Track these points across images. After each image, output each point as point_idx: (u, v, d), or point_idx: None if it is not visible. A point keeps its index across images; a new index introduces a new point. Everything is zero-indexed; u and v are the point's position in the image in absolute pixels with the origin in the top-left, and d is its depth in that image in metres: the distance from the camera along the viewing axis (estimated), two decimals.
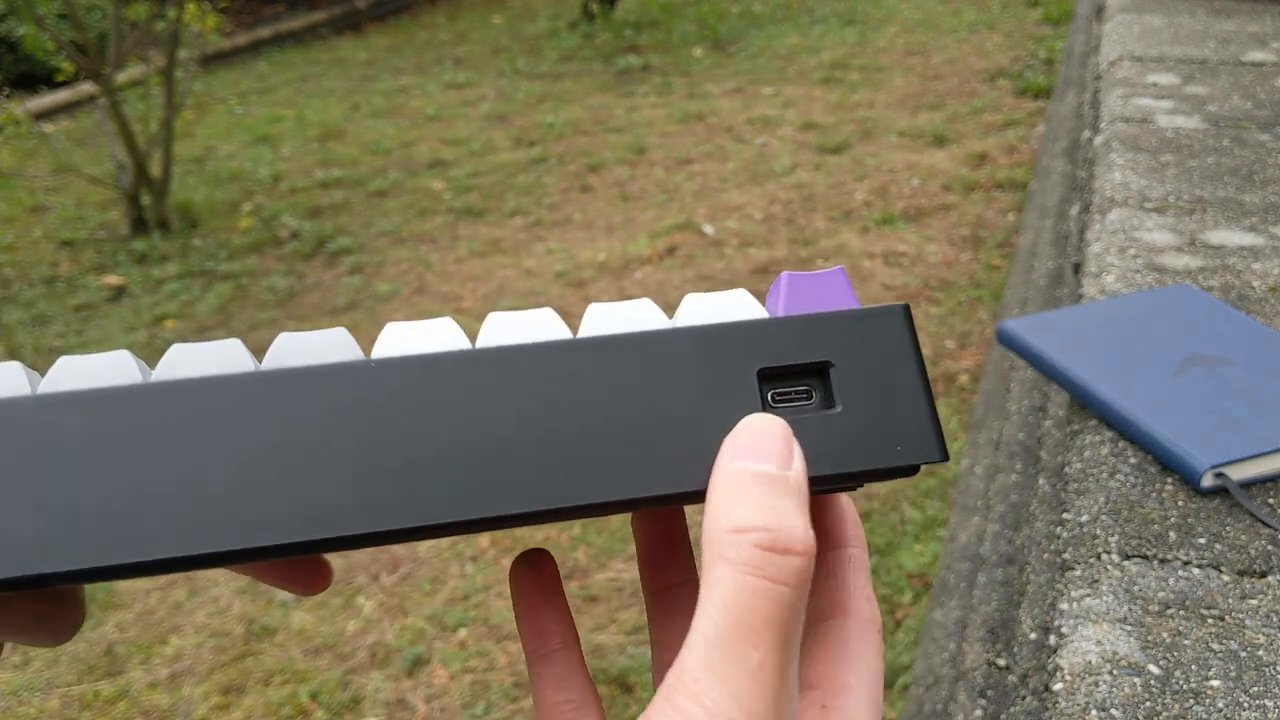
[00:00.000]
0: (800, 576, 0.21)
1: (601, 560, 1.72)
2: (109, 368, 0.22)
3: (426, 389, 0.22)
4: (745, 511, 0.21)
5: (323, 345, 0.23)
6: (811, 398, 0.23)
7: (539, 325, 0.24)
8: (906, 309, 0.24)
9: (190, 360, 0.22)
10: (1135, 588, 0.72)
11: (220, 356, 0.22)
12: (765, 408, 0.23)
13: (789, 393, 0.23)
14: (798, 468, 0.22)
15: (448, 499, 0.22)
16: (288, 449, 0.22)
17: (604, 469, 0.22)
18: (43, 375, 0.23)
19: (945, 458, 0.23)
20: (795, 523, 0.21)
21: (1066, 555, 0.78)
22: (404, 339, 0.23)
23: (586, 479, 0.22)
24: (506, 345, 0.23)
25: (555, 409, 0.22)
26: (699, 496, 0.22)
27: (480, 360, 0.23)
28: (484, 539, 1.79)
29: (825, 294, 0.24)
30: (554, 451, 0.22)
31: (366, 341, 2.56)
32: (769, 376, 0.23)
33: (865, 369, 0.23)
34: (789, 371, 0.23)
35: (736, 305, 0.24)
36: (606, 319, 0.24)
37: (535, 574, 0.30)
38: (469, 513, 0.22)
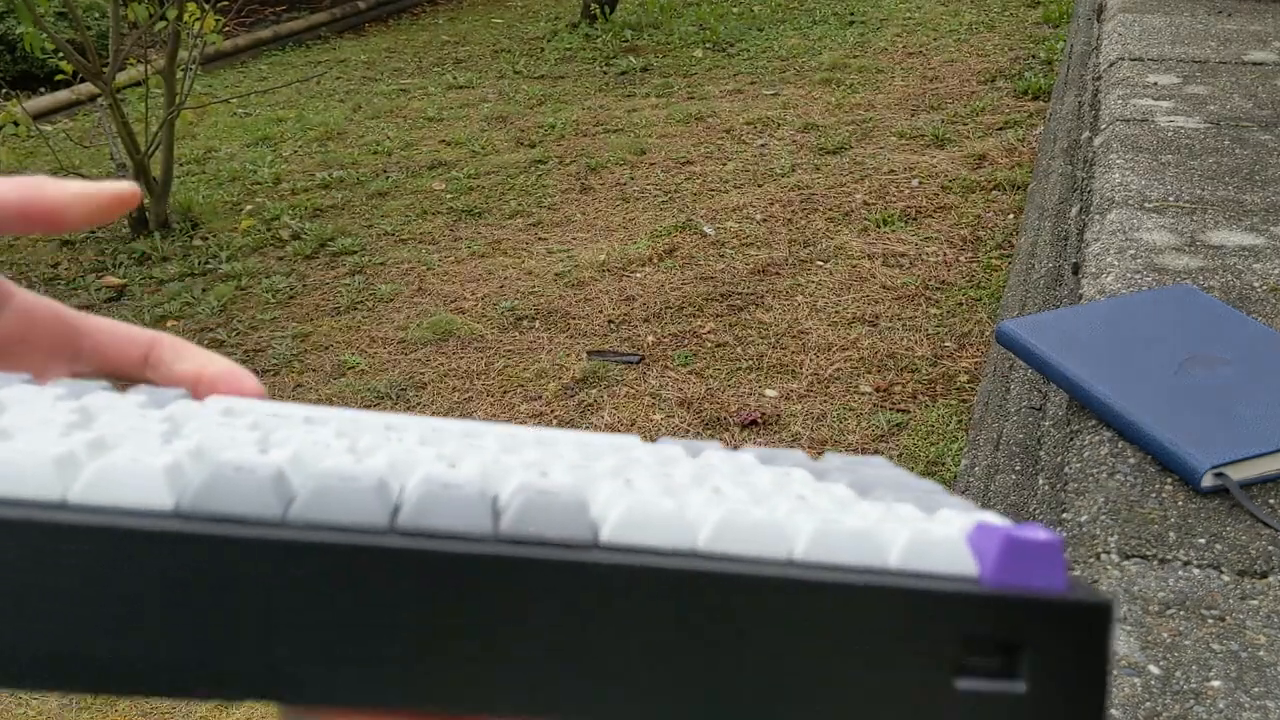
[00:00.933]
0: None
1: None
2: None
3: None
4: None
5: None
6: (1006, 672, 0.22)
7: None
8: (1108, 607, 0.22)
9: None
10: (1135, 588, 0.72)
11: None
12: (956, 674, 0.21)
13: (980, 664, 0.21)
14: None
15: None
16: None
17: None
18: None
19: None
20: None
21: (1066, 555, 0.78)
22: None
23: None
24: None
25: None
26: None
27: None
28: None
29: (1038, 566, 0.22)
30: None
31: (367, 341, 2.56)
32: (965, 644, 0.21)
33: (1058, 657, 0.22)
34: (985, 645, 0.21)
35: (940, 548, 0.21)
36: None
37: None
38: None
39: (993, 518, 0.23)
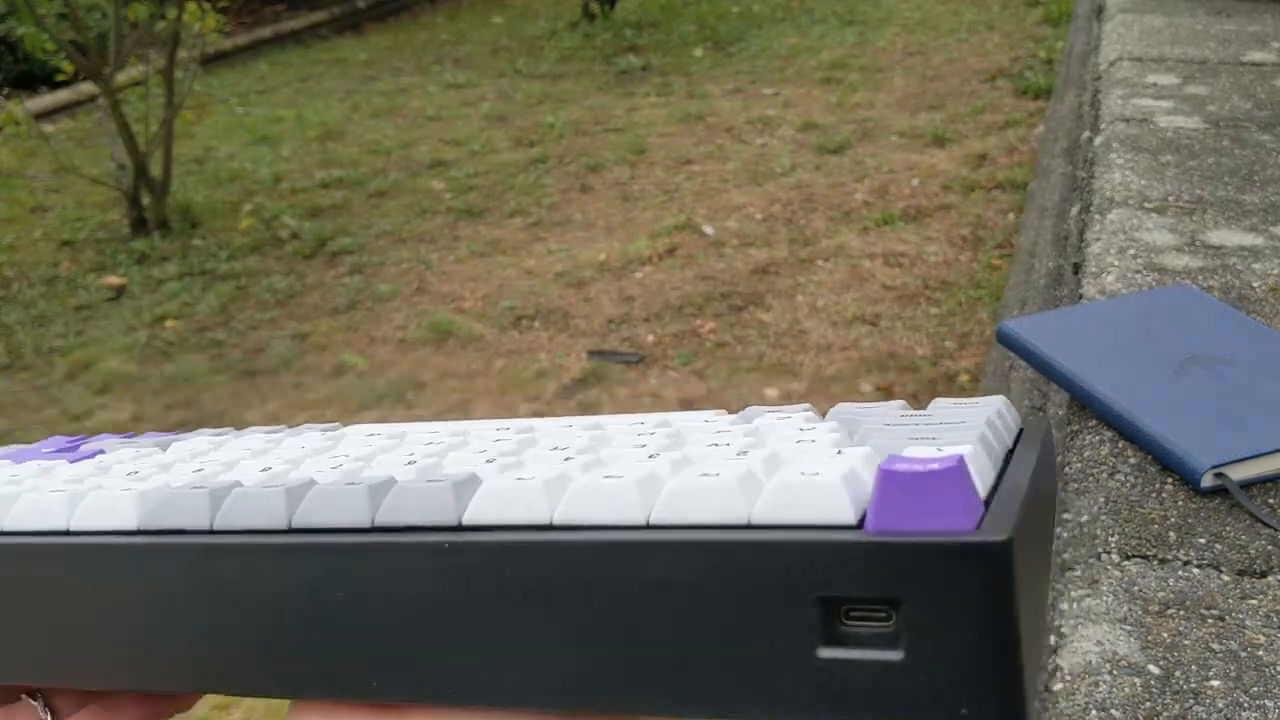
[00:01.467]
0: None
1: None
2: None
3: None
4: None
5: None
6: (889, 622, 0.18)
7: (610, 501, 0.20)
8: (1005, 549, 0.17)
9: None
10: (1135, 588, 0.72)
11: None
12: (826, 637, 0.19)
13: (862, 618, 0.19)
14: None
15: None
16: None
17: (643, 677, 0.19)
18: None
19: None
20: None
21: (1066, 555, 0.78)
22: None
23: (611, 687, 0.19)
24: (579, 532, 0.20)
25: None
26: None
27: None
28: None
29: (931, 503, 0.18)
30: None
31: (367, 341, 2.56)
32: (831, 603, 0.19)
33: (942, 615, 0.18)
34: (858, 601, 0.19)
35: (815, 497, 0.19)
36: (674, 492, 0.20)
37: None
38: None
39: (921, 450, 0.19)
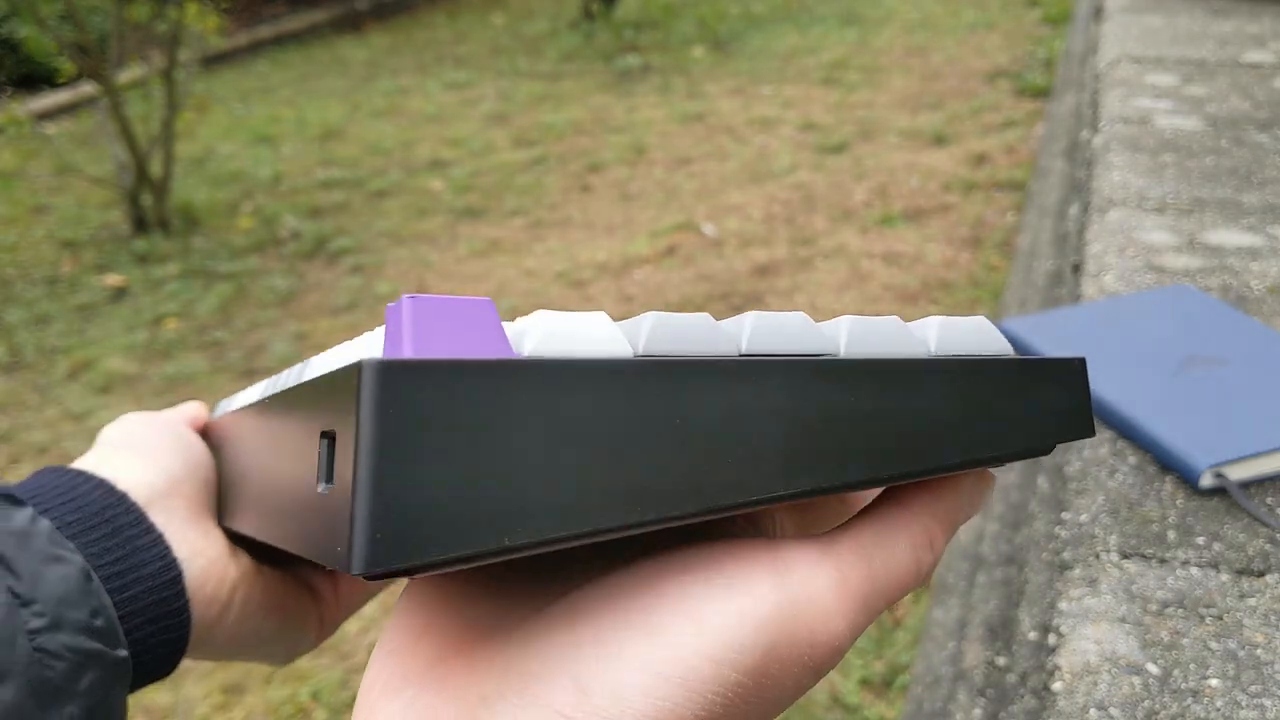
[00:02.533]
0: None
1: None
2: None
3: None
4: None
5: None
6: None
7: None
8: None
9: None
10: (1134, 587, 0.72)
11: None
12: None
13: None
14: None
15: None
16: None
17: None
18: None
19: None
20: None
21: (1066, 555, 0.78)
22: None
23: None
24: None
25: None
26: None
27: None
28: None
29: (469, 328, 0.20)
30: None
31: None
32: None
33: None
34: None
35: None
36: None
37: None
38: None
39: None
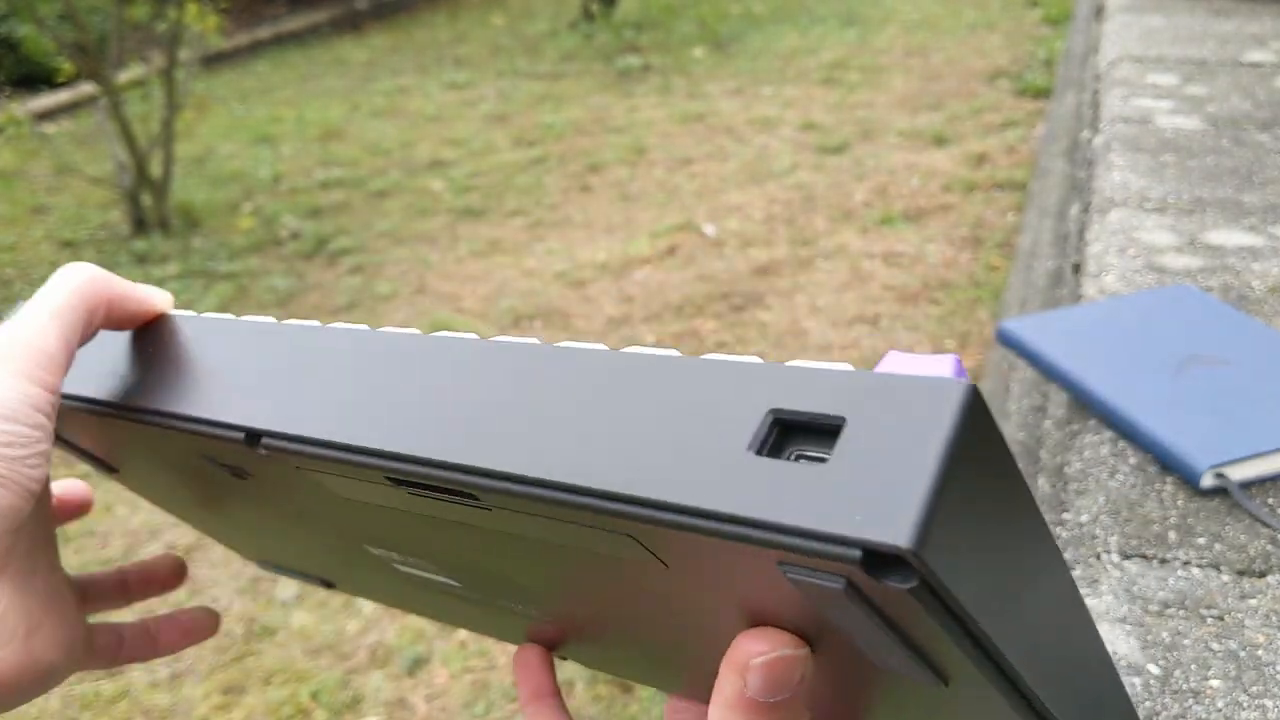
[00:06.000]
0: None
1: None
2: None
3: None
4: None
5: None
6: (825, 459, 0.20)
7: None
8: (970, 390, 0.19)
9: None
10: (1135, 588, 0.72)
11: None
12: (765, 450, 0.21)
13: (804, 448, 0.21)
14: (801, 685, 0.24)
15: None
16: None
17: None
18: None
19: (913, 549, 0.18)
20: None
21: (1066, 555, 0.78)
22: None
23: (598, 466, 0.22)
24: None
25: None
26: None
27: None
28: None
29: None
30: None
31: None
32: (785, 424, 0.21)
33: (882, 434, 0.19)
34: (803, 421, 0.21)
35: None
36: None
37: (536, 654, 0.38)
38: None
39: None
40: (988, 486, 0.20)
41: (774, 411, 0.20)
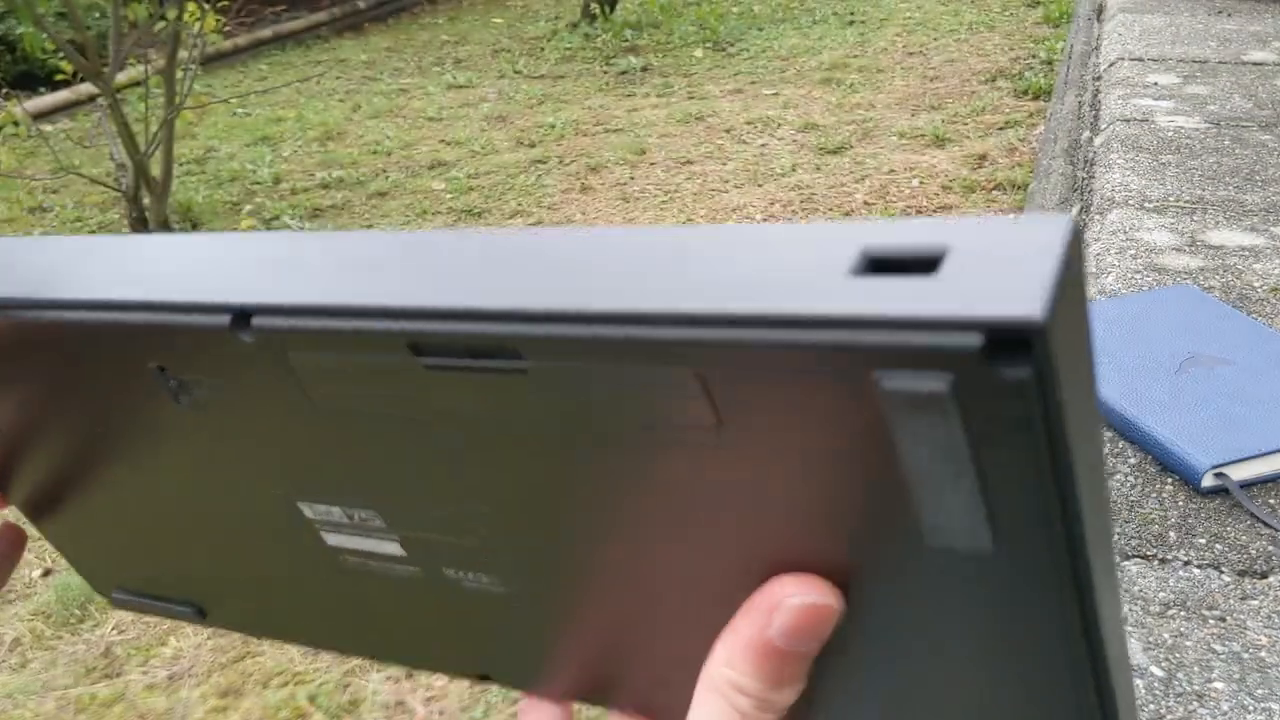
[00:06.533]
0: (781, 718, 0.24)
1: None
2: None
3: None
4: (752, 685, 0.23)
5: None
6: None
7: None
8: (1076, 226, 0.18)
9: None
10: (1135, 588, 0.72)
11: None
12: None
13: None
14: (821, 642, 0.23)
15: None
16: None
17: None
18: None
19: (1044, 321, 0.17)
20: (789, 693, 0.23)
21: None
22: None
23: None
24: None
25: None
26: None
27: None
28: None
29: None
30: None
31: None
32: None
33: (990, 257, 0.18)
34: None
35: None
36: None
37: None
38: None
39: None
40: (1082, 333, 0.19)
41: (867, 252, 0.19)
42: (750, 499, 0.22)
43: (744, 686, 0.23)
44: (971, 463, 0.19)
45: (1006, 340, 0.17)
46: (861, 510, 0.21)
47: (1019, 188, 2.94)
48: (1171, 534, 0.77)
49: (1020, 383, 0.17)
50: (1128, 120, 1.66)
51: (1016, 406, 0.18)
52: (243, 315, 0.24)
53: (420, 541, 0.29)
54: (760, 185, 3.22)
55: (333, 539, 0.30)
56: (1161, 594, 0.71)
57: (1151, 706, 0.62)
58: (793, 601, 0.23)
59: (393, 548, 0.30)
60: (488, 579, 0.29)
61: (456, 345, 0.22)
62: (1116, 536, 0.77)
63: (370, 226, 3.25)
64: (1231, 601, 0.70)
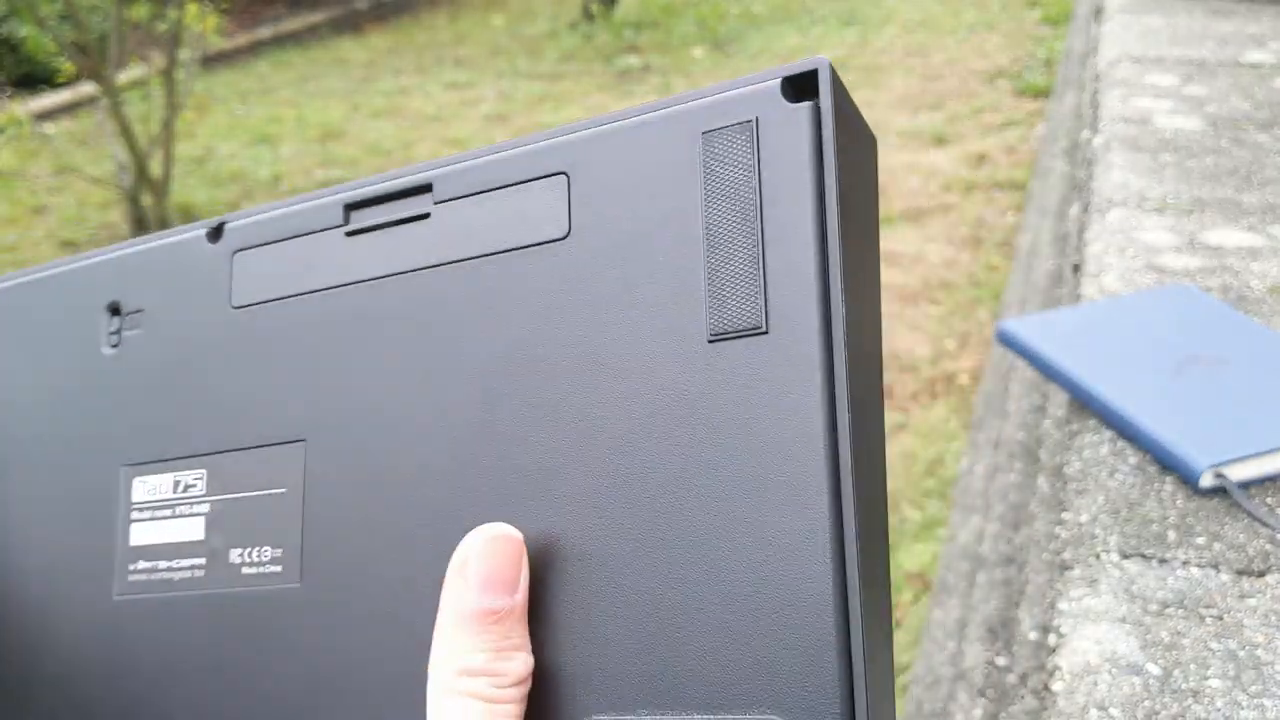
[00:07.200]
0: (524, 695, 0.23)
1: None
2: None
3: None
4: (476, 660, 0.23)
5: None
6: None
7: None
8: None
9: None
10: (1134, 587, 0.72)
11: None
12: None
13: None
14: (523, 591, 0.23)
15: None
16: None
17: None
18: None
19: (828, 65, 0.25)
20: (519, 662, 0.23)
21: (1066, 555, 0.78)
22: None
23: None
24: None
25: None
26: None
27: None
28: None
29: None
30: None
31: None
32: None
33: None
34: None
35: None
36: None
37: None
38: None
39: None
40: (861, 161, 0.25)
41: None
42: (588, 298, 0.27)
43: (471, 666, 0.23)
44: (758, 211, 0.24)
45: (797, 86, 0.24)
46: (655, 304, 0.25)
47: (1019, 187, 2.95)
48: (1170, 534, 0.77)
49: (803, 111, 0.23)
50: (1127, 120, 1.66)
51: (798, 133, 0.23)
52: (216, 228, 0.32)
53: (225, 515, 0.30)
54: None
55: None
56: (1160, 593, 0.72)
57: (1147, 703, 0.63)
58: (477, 544, 0.23)
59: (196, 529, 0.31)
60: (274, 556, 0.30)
61: (382, 196, 0.30)
62: (1117, 535, 0.78)
63: None
64: (1229, 600, 0.70)
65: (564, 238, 0.26)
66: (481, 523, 0.25)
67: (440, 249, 0.29)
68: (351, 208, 0.30)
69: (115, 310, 0.32)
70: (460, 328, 0.28)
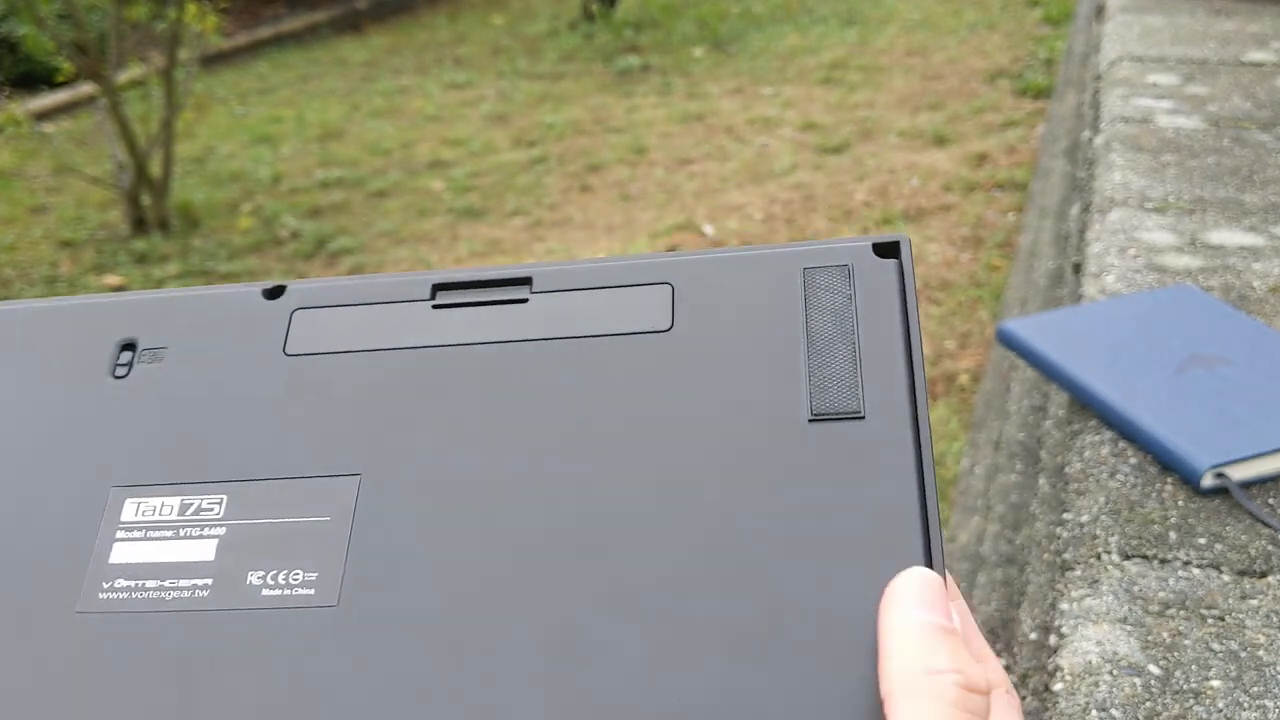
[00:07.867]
0: (986, 711, 0.24)
1: None
2: None
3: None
4: (939, 659, 0.24)
5: None
6: None
7: None
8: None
9: None
10: (1135, 588, 0.72)
11: None
12: None
13: None
14: (958, 620, 0.25)
15: None
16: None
17: None
18: None
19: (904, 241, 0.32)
20: (977, 668, 0.25)
21: (1066, 555, 0.78)
22: None
23: None
24: None
25: None
26: None
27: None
28: None
29: None
30: None
31: None
32: None
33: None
34: None
35: None
36: None
37: None
38: None
39: None
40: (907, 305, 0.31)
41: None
42: (693, 395, 0.29)
43: (940, 666, 0.24)
44: (854, 326, 0.29)
45: (883, 249, 0.31)
46: (760, 388, 0.29)
47: (1019, 187, 2.94)
48: (1172, 534, 0.77)
49: (890, 265, 0.30)
50: (1128, 120, 1.66)
51: (887, 279, 0.30)
52: (277, 289, 0.33)
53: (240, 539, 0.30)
54: (760, 184, 3.22)
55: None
56: (1161, 594, 0.71)
57: (1148, 704, 0.63)
58: (927, 575, 0.26)
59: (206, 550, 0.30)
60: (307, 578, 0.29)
61: (476, 282, 0.31)
62: (1118, 536, 0.77)
63: (369, 226, 3.25)
64: (1231, 601, 0.70)
65: (667, 330, 0.30)
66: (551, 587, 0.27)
67: (536, 327, 0.30)
68: (441, 288, 0.31)
69: (129, 346, 0.32)
70: (550, 395, 0.29)
